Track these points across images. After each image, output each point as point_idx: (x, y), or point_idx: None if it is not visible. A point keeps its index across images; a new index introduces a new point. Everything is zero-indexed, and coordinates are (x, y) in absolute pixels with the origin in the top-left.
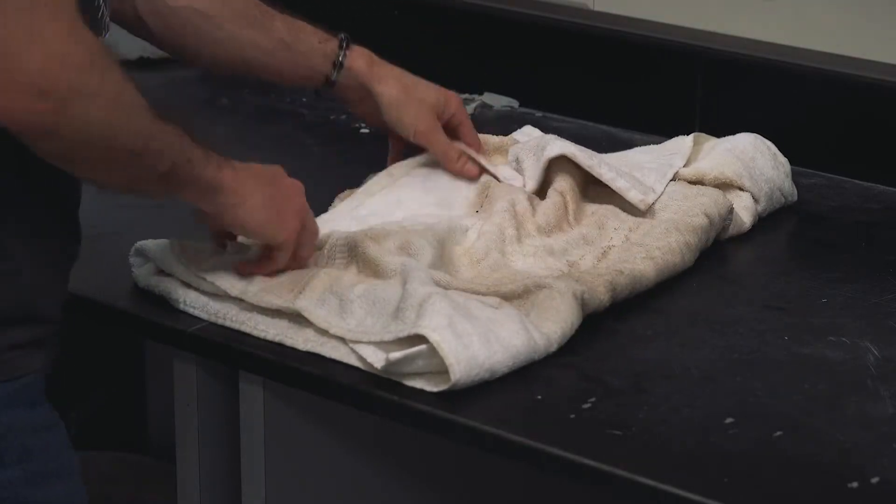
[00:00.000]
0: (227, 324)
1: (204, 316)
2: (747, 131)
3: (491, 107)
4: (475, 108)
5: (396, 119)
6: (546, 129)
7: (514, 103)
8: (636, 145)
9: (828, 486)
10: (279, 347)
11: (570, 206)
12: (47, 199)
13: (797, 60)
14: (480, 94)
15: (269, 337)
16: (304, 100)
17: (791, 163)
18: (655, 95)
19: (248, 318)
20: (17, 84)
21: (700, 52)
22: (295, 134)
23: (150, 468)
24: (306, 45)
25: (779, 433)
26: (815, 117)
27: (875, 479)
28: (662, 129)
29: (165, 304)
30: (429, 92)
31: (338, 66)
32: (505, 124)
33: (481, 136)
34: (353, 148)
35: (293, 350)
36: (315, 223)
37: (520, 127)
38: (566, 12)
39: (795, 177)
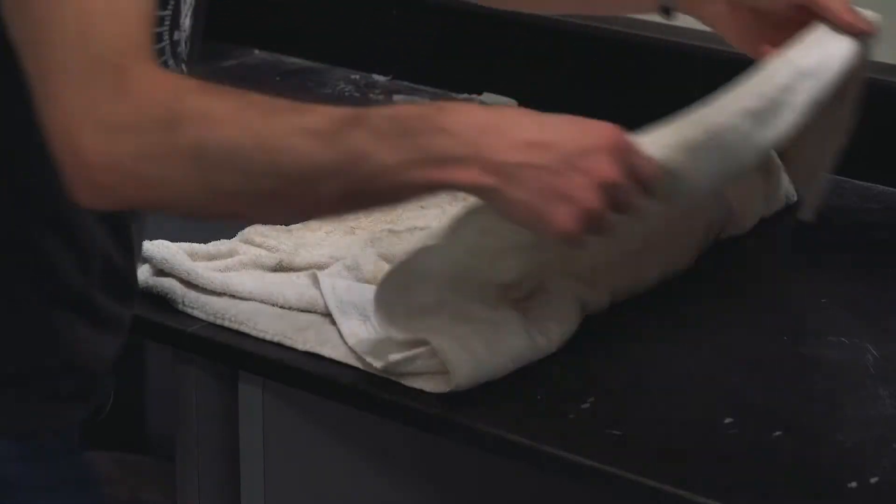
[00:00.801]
0: (227, 324)
1: (203, 316)
2: None
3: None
4: None
5: None
6: None
7: (513, 103)
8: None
9: (827, 486)
10: (279, 348)
11: None
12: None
13: None
14: (479, 93)
15: (269, 337)
16: (304, 100)
17: None
18: (655, 95)
19: (248, 319)
20: (81, 168)
21: (700, 52)
22: None
23: (149, 468)
24: None
25: (778, 433)
26: None
27: (874, 480)
28: None
29: (165, 304)
30: None
31: None
32: None
33: None
34: None
35: (293, 350)
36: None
37: None
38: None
39: None
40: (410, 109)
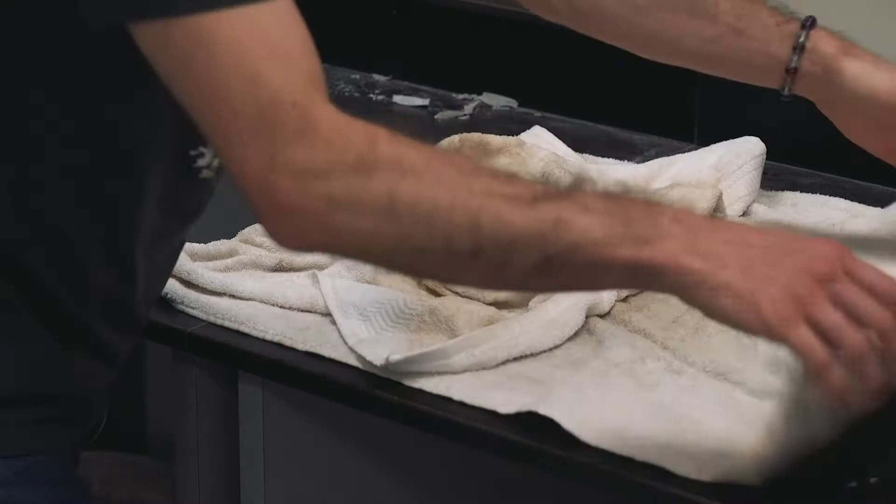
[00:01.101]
0: (227, 324)
1: (203, 316)
2: (747, 131)
3: (490, 107)
4: (474, 108)
5: (862, 96)
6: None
7: (513, 103)
8: (636, 145)
9: (827, 485)
10: (279, 347)
11: None
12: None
13: None
14: (479, 93)
15: (269, 337)
16: None
17: (791, 163)
18: (655, 95)
19: (248, 319)
20: (274, 212)
21: None
22: None
23: (149, 468)
24: (760, 28)
25: None
26: (815, 117)
27: (874, 479)
28: (662, 129)
29: (165, 304)
30: None
31: (798, 48)
32: (503, 124)
33: (485, 136)
34: None
35: (293, 350)
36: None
37: (519, 127)
38: None
39: (795, 177)
40: (629, 193)
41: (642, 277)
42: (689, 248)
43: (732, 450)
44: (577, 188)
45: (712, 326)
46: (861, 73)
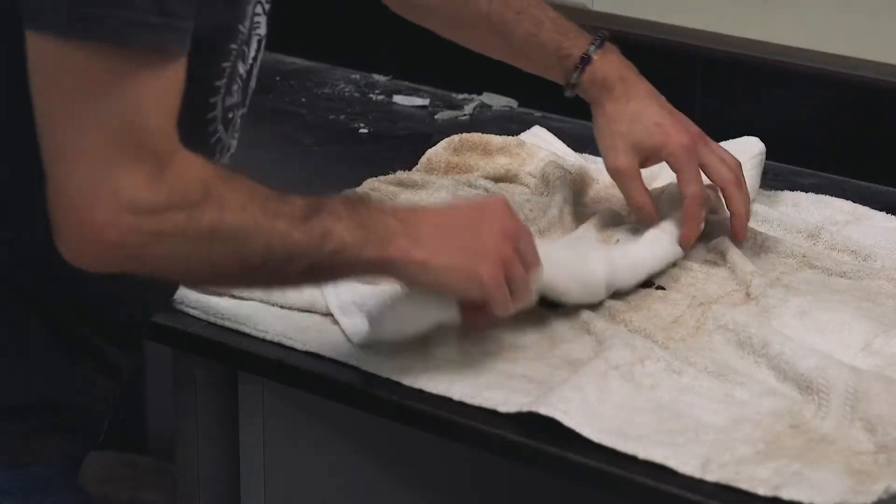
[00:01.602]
0: (227, 324)
1: (203, 316)
2: (747, 131)
3: (490, 107)
4: (474, 108)
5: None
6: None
7: (513, 103)
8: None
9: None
10: (279, 348)
11: None
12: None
13: (797, 60)
14: (479, 93)
15: (269, 337)
16: (304, 100)
17: (791, 163)
18: None
19: (248, 319)
20: (87, 238)
21: (700, 52)
22: (295, 134)
23: (149, 468)
24: (543, 61)
25: None
26: (815, 117)
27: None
28: None
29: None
30: (639, 127)
31: (569, 86)
32: (504, 124)
33: (485, 136)
34: (353, 147)
35: (293, 350)
36: (532, 259)
37: (519, 127)
38: (566, 12)
39: (795, 177)
40: (362, 200)
41: (384, 270)
42: (414, 241)
43: (734, 449)
44: (330, 200)
45: (712, 326)
46: (598, 130)
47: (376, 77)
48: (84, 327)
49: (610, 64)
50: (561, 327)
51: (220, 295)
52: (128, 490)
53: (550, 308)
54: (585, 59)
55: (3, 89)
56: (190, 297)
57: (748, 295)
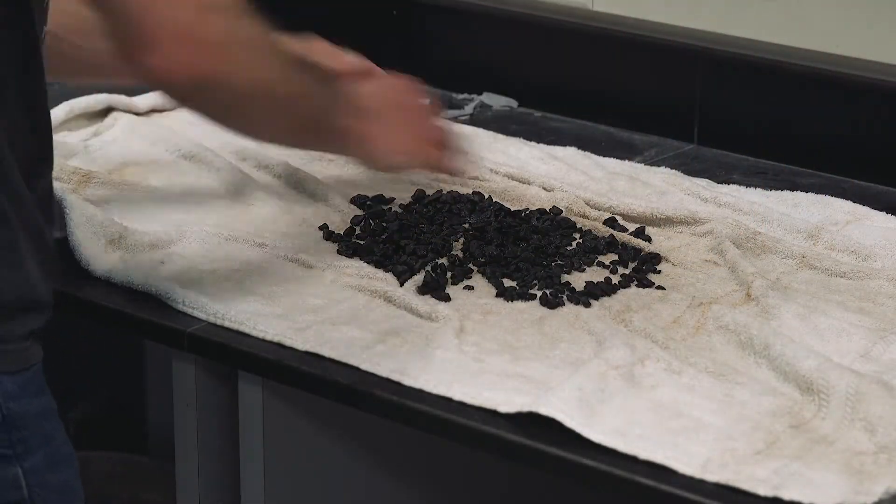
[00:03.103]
0: (227, 324)
1: (203, 316)
2: (747, 131)
3: (490, 107)
4: (474, 108)
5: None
6: (545, 129)
7: (513, 103)
8: (636, 145)
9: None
10: (278, 347)
11: None
12: (42, 197)
13: (797, 60)
14: (479, 93)
15: (269, 337)
16: None
17: (791, 163)
18: (655, 95)
19: (248, 319)
20: (175, 39)
21: (700, 52)
22: None
23: (149, 468)
24: None
25: None
26: (815, 117)
27: None
28: (662, 129)
29: (165, 305)
30: None
31: None
32: (503, 124)
33: None
34: None
35: (292, 350)
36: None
37: (519, 127)
38: (566, 12)
39: (795, 177)
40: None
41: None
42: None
43: (734, 450)
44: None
45: (712, 326)
46: None
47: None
48: (42, 210)
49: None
50: (561, 327)
51: (219, 294)
52: (128, 490)
53: (550, 308)
54: None
55: None
56: (190, 297)
57: (748, 295)
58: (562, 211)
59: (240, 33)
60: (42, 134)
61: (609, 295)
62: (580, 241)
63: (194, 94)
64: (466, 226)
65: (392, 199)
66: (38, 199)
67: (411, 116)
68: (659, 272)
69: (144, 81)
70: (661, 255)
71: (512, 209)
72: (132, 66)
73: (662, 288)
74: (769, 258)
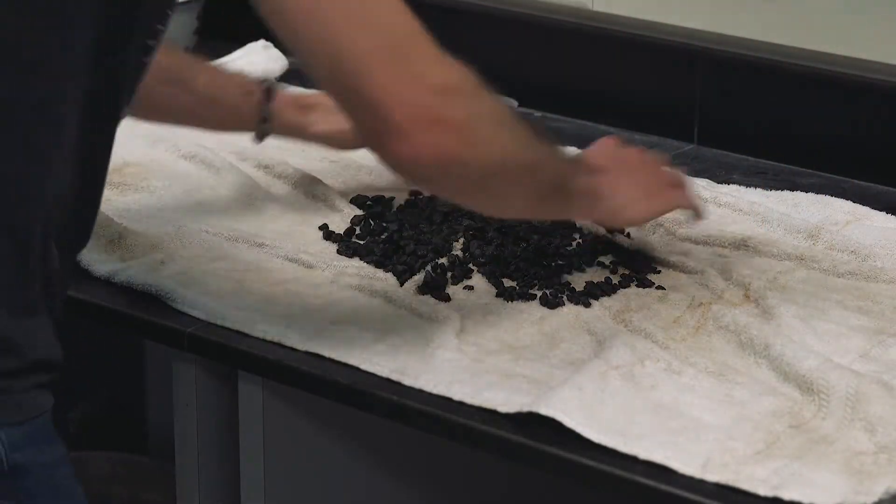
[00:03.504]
0: (226, 324)
1: (203, 316)
2: (747, 131)
3: None
4: None
5: (321, 136)
6: (546, 129)
7: (514, 103)
8: (636, 145)
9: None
10: (278, 347)
11: None
12: (63, 260)
13: (797, 60)
14: None
15: (268, 337)
16: None
17: (791, 163)
18: (655, 95)
19: (248, 319)
20: (421, 125)
21: (700, 52)
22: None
23: (149, 468)
24: (232, 100)
25: None
26: (815, 117)
27: None
28: (662, 129)
29: (165, 305)
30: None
31: (263, 119)
32: None
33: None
34: None
35: (292, 350)
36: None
37: None
38: (566, 12)
39: (795, 177)
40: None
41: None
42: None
43: (734, 450)
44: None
45: (712, 326)
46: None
47: None
48: (60, 289)
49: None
50: (561, 327)
51: (219, 294)
52: (128, 490)
53: (550, 308)
54: (270, 88)
55: None
56: (190, 297)
57: (747, 296)
58: None
59: (481, 110)
60: (87, 219)
61: (609, 295)
62: (580, 241)
63: (442, 177)
64: (466, 224)
65: (392, 199)
66: (68, 271)
67: (641, 165)
68: (658, 272)
69: (391, 168)
70: (660, 255)
71: None
72: (379, 155)
73: (662, 288)
74: (768, 258)
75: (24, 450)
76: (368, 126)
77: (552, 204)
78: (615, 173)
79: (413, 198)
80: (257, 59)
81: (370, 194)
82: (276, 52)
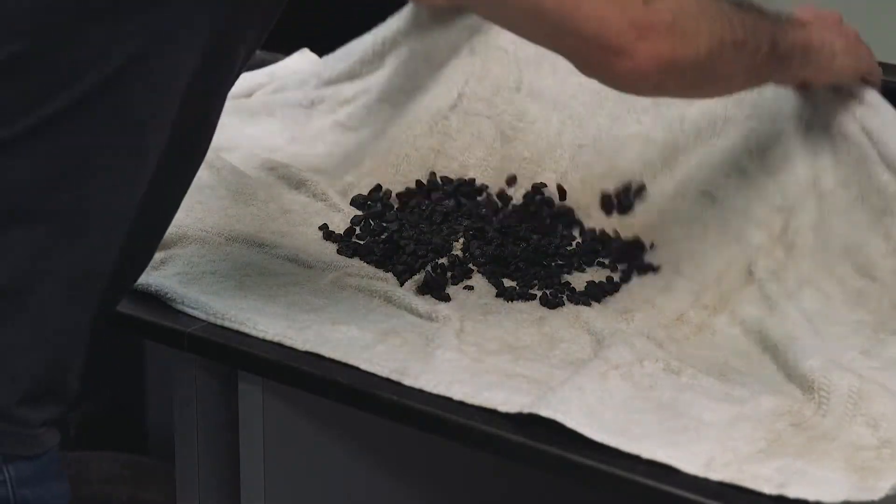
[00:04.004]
0: (227, 324)
1: (203, 316)
2: None
3: None
4: None
5: None
6: None
7: None
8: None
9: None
10: (278, 347)
11: None
12: (86, 296)
13: None
14: None
15: (269, 337)
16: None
17: None
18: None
19: (248, 319)
20: (636, 39)
21: None
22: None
23: (149, 468)
24: None
25: None
26: None
27: None
28: None
29: (165, 305)
30: None
31: None
32: None
33: None
34: None
35: (293, 350)
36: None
37: None
38: None
39: None
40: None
41: (805, 53)
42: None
43: (737, 448)
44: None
45: (716, 325)
46: None
47: None
48: (98, 311)
49: None
50: (561, 327)
51: (219, 294)
52: (128, 490)
53: (550, 308)
54: None
55: None
56: (190, 297)
57: (750, 273)
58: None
59: (682, 5)
60: (129, 276)
61: (611, 294)
62: (580, 241)
63: (668, 80)
64: (466, 224)
65: (389, 193)
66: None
67: (839, 23)
68: (653, 247)
69: (617, 88)
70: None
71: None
72: (605, 79)
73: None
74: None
75: (31, 486)
76: (586, 57)
77: (771, 68)
78: (820, 26)
79: (409, 198)
80: (296, 64)
81: (366, 191)
82: (314, 57)
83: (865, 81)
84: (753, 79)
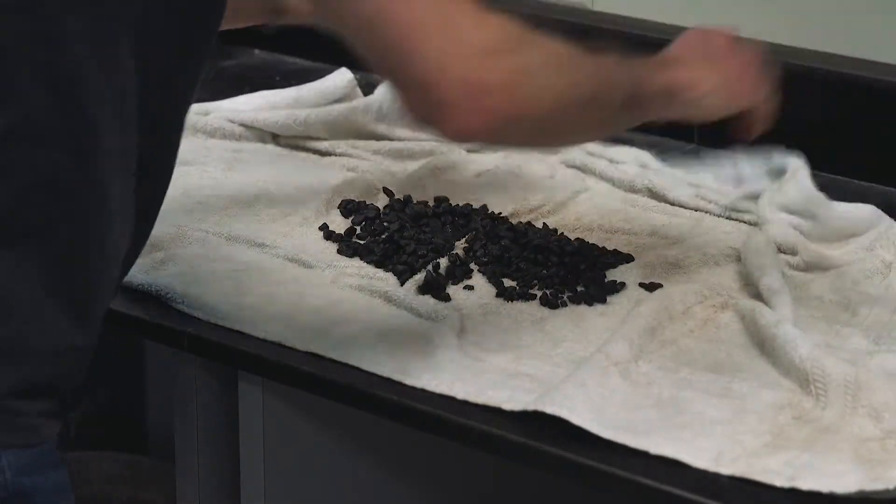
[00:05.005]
0: (226, 324)
1: (203, 316)
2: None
3: None
4: None
5: None
6: None
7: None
8: (636, 145)
9: None
10: (278, 347)
11: None
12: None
13: (797, 60)
14: None
15: (269, 337)
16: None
17: None
18: None
19: (248, 319)
20: (465, 98)
21: None
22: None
23: (149, 468)
24: None
25: None
26: (815, 117)
27: None
28: (663, 129)
29: (165, 305)
30: None
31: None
32: None
33: None
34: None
35: (292, 350)
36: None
37: None
38: (566, 12)
39: None
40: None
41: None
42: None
43: (743, 442)
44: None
45: (721, 320)
46: None
47: (376, 77)
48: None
49: None
50: (562, 327)
51: (219, 294)
52: (128, 490)
53: (551, 308)
54: None
55: None
56: (190, 297)
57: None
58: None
59: (527, 62)
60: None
61: (612, 293)
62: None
63: (501, 138)
64: (466, 225)
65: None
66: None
67: (726, 54)
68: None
69: (447, 141)
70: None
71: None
72: (436, 132)
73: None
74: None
75: (30, 474)
76: (419, 106)
77: (626, 117)
78: (695, 64)
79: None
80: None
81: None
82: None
83: (749, 114)
84: (605, 130)
